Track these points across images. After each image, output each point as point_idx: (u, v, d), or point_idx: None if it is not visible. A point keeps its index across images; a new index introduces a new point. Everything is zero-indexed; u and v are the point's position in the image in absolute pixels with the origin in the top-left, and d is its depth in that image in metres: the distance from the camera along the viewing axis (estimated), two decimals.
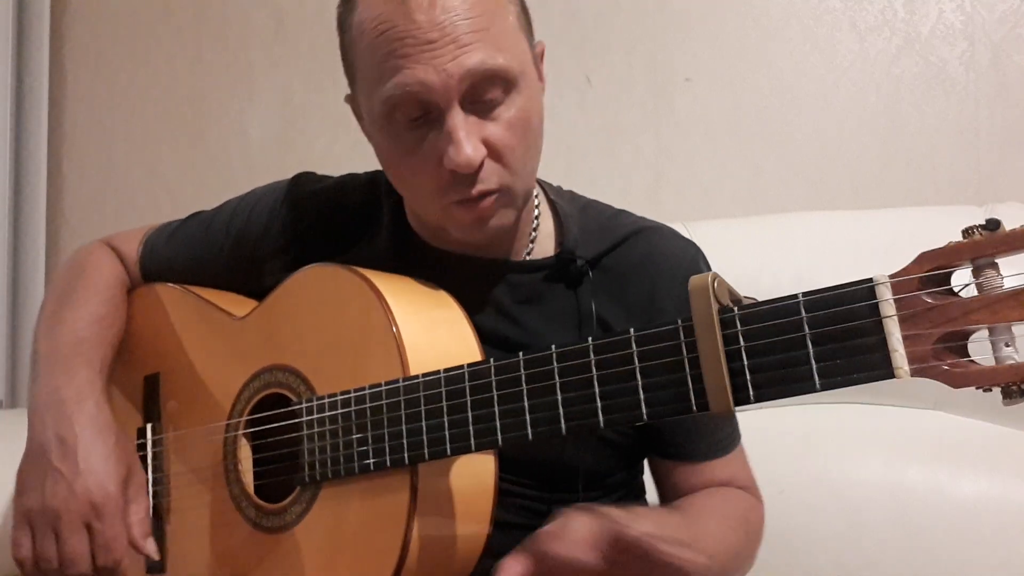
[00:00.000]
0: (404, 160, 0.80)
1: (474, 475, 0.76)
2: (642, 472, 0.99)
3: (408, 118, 0.77)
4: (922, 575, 1.10)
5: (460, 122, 0.75)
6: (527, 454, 0.80)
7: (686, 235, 0.97)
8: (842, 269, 1.25)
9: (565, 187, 0.98)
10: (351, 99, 0.87)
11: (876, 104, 1.47)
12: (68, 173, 2.11)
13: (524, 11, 0.83)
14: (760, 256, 1.28)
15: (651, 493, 0.94)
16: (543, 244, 0.90)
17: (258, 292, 0.95)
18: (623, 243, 0.90)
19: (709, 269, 0.91)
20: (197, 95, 1.99)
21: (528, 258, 0.90)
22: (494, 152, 0.77)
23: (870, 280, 0.55)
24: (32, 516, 0.82)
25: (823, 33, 1.50)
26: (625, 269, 0.88)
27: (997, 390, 0.51)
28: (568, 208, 0.92)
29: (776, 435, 1.18)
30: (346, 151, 1.83)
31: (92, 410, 0.85)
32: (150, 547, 0.83)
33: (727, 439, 0.90)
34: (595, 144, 1.63)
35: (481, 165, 0.77)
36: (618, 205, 0.97)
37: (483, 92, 0.76)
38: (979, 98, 1.41)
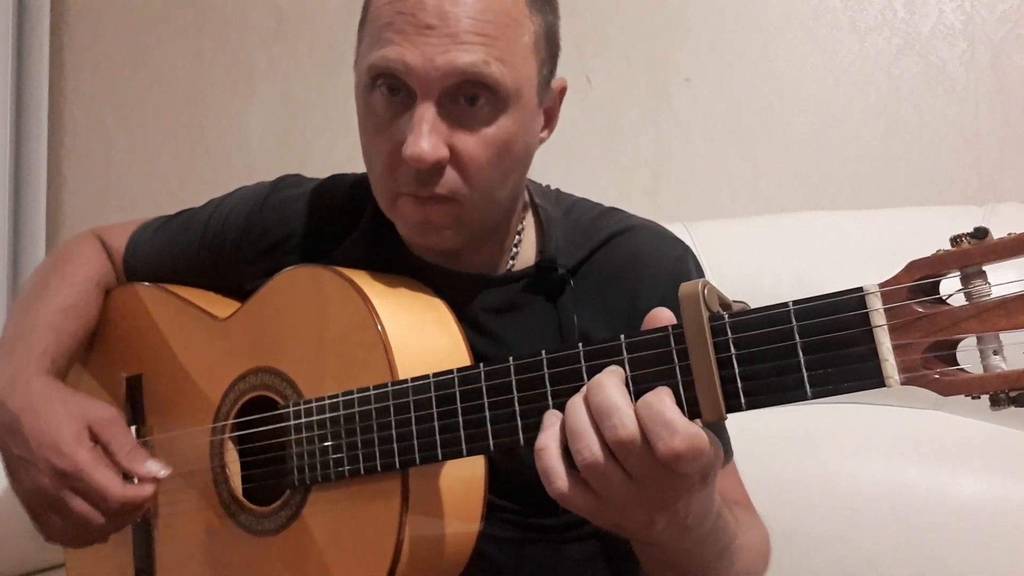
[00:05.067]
0: (373, 136, 0.78)
1: (464, 473, 0.75)
2: None
3: (388, 91, 0.75)
4: (922, 575, 1.10)
5: (428, 116, 0.72)
6: (511, 475, 0.79)
7: (686, 236, 0.93)
8: (842, 269, 1.26)
9: (565, 188, 0.95)
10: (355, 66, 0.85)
11: (876, 104, 1.47)
12: (68, 173, 2.11)
13: (549, 40, 0.80)
14: (760, 256, 1.28)
15: None
16: (526, 254, 0.88)
17: (238, 293, 0.93)
18: (605, 245, 0.86)
19: (698, 268, 0.88)
20: (197, 95, 1.99)
21: (510, 270, 0.87)
22: (459, 162, 0.74)
23: (860, 289, 0.54)
24: (29, 504, 0.83)
25: (823, 33, 1.51)
26: (607, 274, 0.85)
27: (985, 397, 0.52)
28: (552, 211, 0.89)
29: (776, 435, 1.18)
30: (346, 151, 1.83)
31: (23, 387, 0.84)
32: (152, 467, 0.81)
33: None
34: (595, 144, 1.63)
35: (441, 169, 0.74)
36: (618, 205, 0.94)
37: (467, 98, 0.73)
38: (979, 98, 1.41)
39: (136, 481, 0.82)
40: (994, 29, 1.41)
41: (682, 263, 0.87)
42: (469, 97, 0.73)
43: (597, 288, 0.85)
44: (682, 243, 0.89)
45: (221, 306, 0.92)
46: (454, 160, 0.74)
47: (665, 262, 0.86)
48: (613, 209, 0.92)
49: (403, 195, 0.77)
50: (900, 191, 1.45)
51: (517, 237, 0.88)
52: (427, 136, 0.72)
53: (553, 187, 0.96)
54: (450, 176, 0.75)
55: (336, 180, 0.95)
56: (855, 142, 1.48)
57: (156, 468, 0.82)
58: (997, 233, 0.53)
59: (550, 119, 0.86)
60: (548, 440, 0.60)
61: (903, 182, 1.45)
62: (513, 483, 0.81)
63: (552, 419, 0.61)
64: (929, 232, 1.29)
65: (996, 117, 1.40)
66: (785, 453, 1.18)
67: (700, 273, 0.88)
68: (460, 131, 0.74)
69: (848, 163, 1.48)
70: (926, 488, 1.14)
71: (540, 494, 0.85)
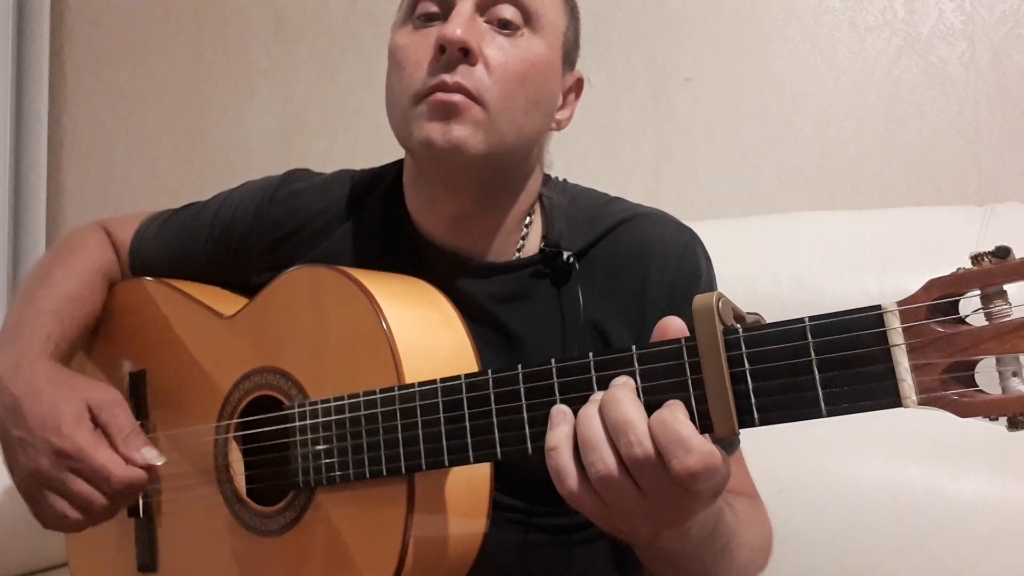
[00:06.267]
0: (404, 52, 0.81)
1: (469, 474, 0.75)
2: None
3: (426, 13, 0.81)
4: (922, 575, 1.10)
5: (466, 10, 0.78)
6: (519, 469, 0.78)
7: None
8: (842, 269, 1.26)
9: None
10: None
11: (876, 104, 1.47)
12: (68, 173, 2.11)
13: (574, 17, 0.88)
14: (760, 256, 1.28)
15: None
16: (533, 242, 0.88)
17: (243, 289, 0.94)
18: (612, 232, 0.86)
19: (705, 255, 0.89)
20: (197, 95, 1.99)
21: (517, 258, 0.87)
22: (487, 65, 0.78)
23: (878, 307, 0.53)
24: (27, 488, 0.82)
25: (823, 33, 1.51)
26: (615, 260, 0.85)
27: (1003, 419, 0.51)
28: (558, 199, 0.89)
29: (776, 435, 1.18)
30: (346, 151, 1.83)
31: (28, 370, 0.84)
32: (148, 455, 0.80)
33: (722, 443, 0.87)
34: (595, 144, 1.63)
35: (470, 63, 0.77)
36: None
37: (500, 11, 0.79)
38: (979, 98, 1.41)
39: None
40: (994, 29, 1.41)
41: (690, 250, 0.87)
42: (502, 11, 0.80)
43: (605, 275, 0.85)
44: (689, 230, 0.89)
45: (226, 303, 0.92)
46: (484, 60, 0.78)
47: (673, 249, 0.86)
48: (618, 198, 0.92)
49: (426, 96, 0.78)
50: (900, 191, 1.45)
51: (525, 229, 0.88)
52: (464, 23, 0.77)
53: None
54: (479, 72, 0.78)
55: (345, 174, 0.96)
56: (855, 142, 1.48)
57: (152, 455, 0.81)
58: (997, 233, 0.52)
59: (566, 105, 0.88)
60: (559, 440, 0.59)
61: (903, 182, 1.45)
62: (518, 478, 0.81)
63: (560, 417, 0.60)
64: (929, 232, 1.30)
65: (996, 117, 1.40)
66: (785, 453, 1.18)
67: (707, 260, 0.89)
68: (491, 41, 0.79)
69: (848, 163, 1.48)
70: (926, 488, 1.13)
71: (546, 490, 0.85)
